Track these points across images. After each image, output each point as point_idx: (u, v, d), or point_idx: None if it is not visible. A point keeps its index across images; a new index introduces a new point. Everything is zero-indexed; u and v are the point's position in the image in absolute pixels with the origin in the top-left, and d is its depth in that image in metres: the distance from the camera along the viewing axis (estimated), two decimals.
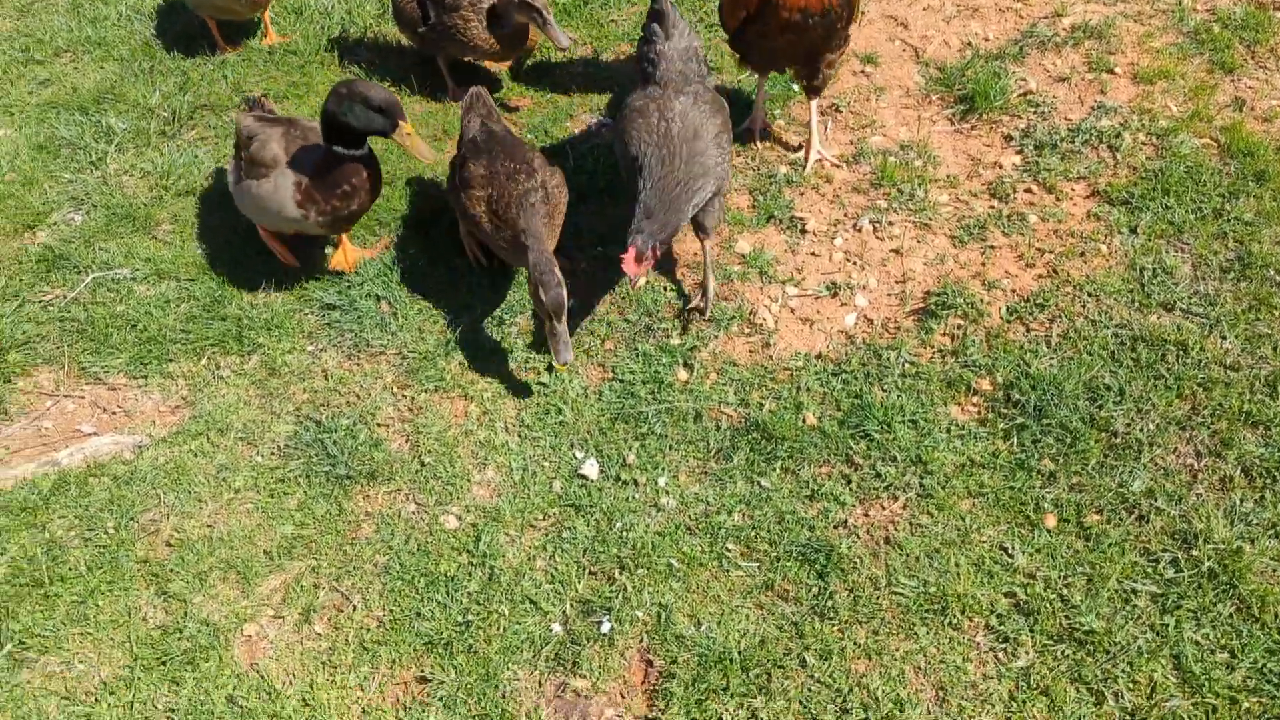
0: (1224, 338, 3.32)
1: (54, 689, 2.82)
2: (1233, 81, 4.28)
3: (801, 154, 4.31)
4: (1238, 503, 2.92)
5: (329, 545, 3.12)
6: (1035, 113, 4.33)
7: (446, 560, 3.04)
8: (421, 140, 3.65)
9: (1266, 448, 3.02)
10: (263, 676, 2.82)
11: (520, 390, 3.50)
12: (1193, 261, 3.59)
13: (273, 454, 3.39)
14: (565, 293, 3.30)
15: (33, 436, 3.50)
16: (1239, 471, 2.99)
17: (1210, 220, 3.70)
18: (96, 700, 2.79)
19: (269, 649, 2.89)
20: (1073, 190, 3.98)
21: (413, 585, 2.99)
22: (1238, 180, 3.82)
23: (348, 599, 2.99)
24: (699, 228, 3.59)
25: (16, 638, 2.92)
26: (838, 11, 3.75)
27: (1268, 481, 2.95)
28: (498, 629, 2.87)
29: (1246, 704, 2.52)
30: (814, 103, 4.17)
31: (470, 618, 2.90)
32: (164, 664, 2.85)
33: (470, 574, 3.00)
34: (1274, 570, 2.75)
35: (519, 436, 3.38)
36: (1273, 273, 3.48)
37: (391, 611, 2.95)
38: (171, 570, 3.06)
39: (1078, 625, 2.71)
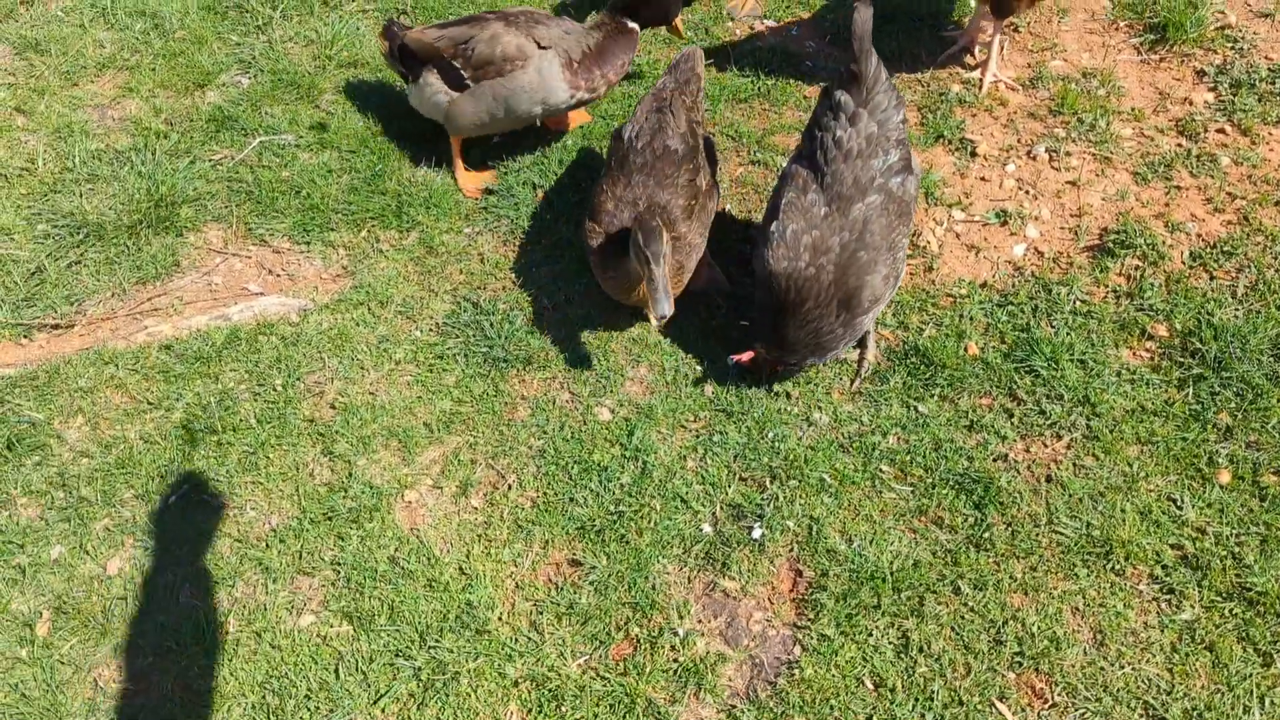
0: None
1: (227, 531, 2.95)
2: None
3: (977, 73, 4.13)
4: None
5: (485, 424, 3.17)
6: (1233, 49, 4.07)
7: (600, 450, 3.07)
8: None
9: None
10: (422, 542, 2.91)
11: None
12: None
13: (431, 330, 3.44)
14: (666, 240, 2.98)
15: (203, 290, 3.60)
16: None
17: None
18: (267, 546, 2.92)
19: (428, 516, 2.98)
20: (1270, 135, 3.75)
21: (566, 471, 3.04)
22: None
23: (503, 477, 3.06)
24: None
25: (192, 480, 3.06)
26: None
27: None
28: (649, 522, 2.91)
29: None
30: (998, 23, 3.97)
31: (622, 509, 2.94)
32: (330, 519, 2.96)
33: (623, 466, 3.04)
34: None
35: (671, 338, 3.36)
36: None
37: (545, 494, 3.00)
38: (336, 432, 3.16)
39: (1249, 585, 2.64)
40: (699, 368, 3.28)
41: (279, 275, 3.66)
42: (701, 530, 2.90)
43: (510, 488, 3.03)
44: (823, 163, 2.95)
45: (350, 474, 3.06)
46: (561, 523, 2.93)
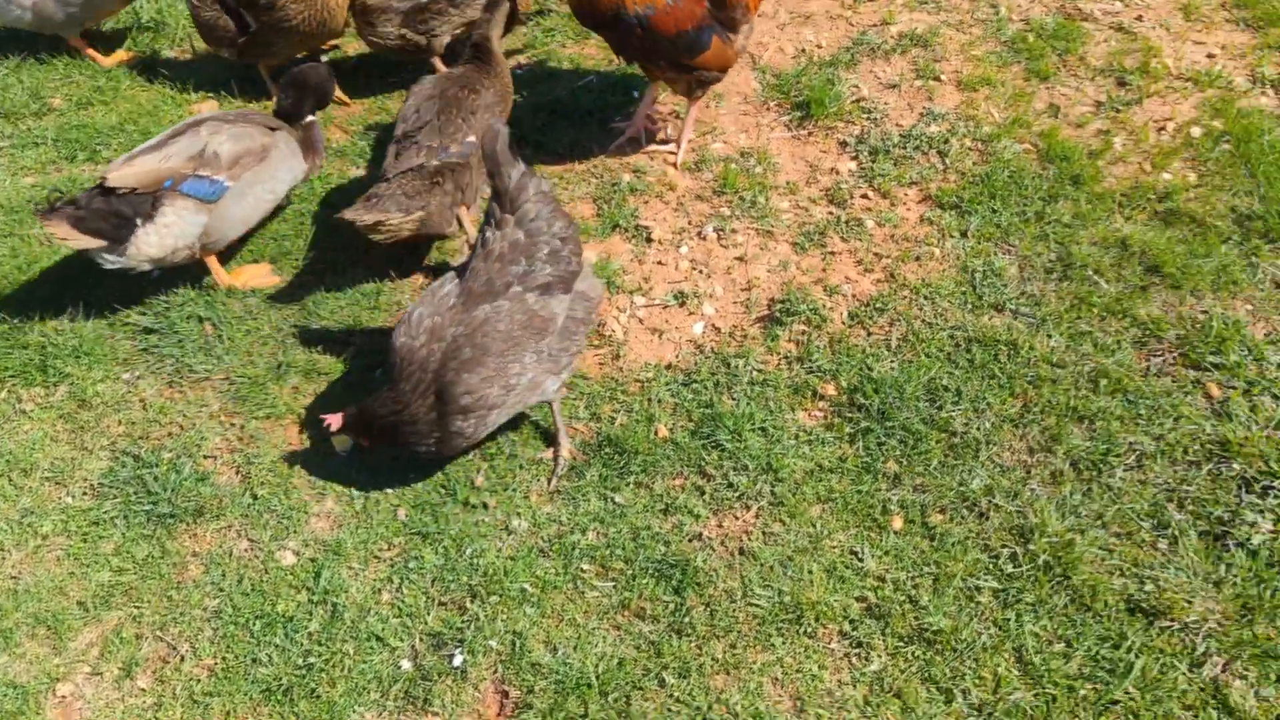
0: (1050, 336, 3.47)
1: None
2: (1048, 89, 4.49)
3: (646, 160, 4.30)
4: (1068, 495, 3.04)
5: (151, 591, 2.88)
6: (868, 119, 4.44)
7: (284, 600, 2.86)
8: None
9: (1092, 441, 3.16)
10: None
11: None
12: (1019, 263, 3.74)
13: (85, 494, 3.11)
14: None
15: None
16: (1068, 465, 3.12)
17: (1033, 223, 3.87)
18: None
19: (86, 710, 2.65)
20: (906, 195, 4.09)
21: (247, 629, 2.80)
22: (1056, 184, 4.01)
23: (174, 649, 2.77)
24: None
25: None
26: (640, 21, 3.73)
27: (1094, 474, 3.09)
28: (342, 670, 2.72)
29: (1083, 691, 2.63)
30: (691, 103, 4.17)
31: (312, 660, 2.73)
32: None
33: (311, 613, 2.83)
34: (1103, 560, 2.88)
35: (359, 463, 3.21)
36: (1091, 273, 3.66)
37: (225, 659, 2.75)
38: None
39: (926, 625, 2.77)
40: (390, 491, 3.14)
41: None
42: (400, 668, 2.74)
43: (183, 659, 2.75)
44: (469, 258, 3.02)
45: None
46: (244, 688, 2.69)
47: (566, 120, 4.51)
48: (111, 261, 3.42)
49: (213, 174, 3.46)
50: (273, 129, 3.69)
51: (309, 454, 3.22)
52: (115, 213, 3.35)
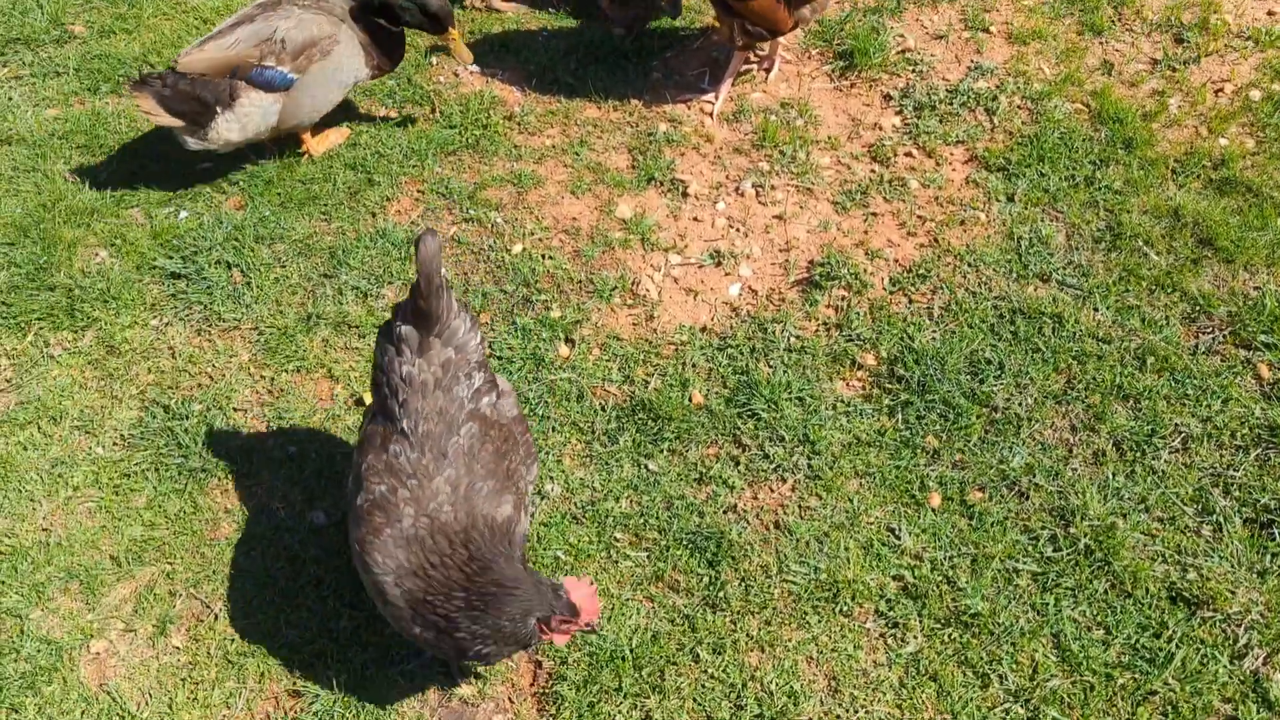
0: (1096, 309, 3.38)
1: None
2: (1101, 44, 4.32)
3: (682, 108, 4.17)
4: (1110, 477, 2.99)
5: (184, 548, 2.87)
6: (914, 71, 4.28)
7: (315, 562, 2.84)
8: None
9: (1136, 421, 3.10)
10: (114, 698, 2.58)
11: None
12: (1066, 231, 3.63)
13: (115, 445, 3.08)
14: None
15: None
16: (1111, 445, 3.06)
17: (1082, 188, 3.75)
18: None
19: (120, 667, 2.65)
20: (951, 155, 3.96)
21: (280, 590, 2.79)
22: (1107, 147, 3.88)
23: (208, 607, 2.77)
24: None
25: None
26: None
27: (1138, 456, 3.03)
28: (374, 635, 2.71)
29: (1121, 680, 2.61)
30: (740, 54, 4.05)
31: (344, 623, 2.72)
32: None
33: (341, 575, 2.81)
34: (1145, 546, 2.84)
35: None
36: (1141, 243, 3.55)
37: (259, 619, 2.74)
38: (3, 582, 2.76)
39: (964, 608, 2.74)
40: None
41: None
42: None
43: (216, 618, 2.75)
44: (394, 406, 2.44)
45: (22, 631, 2.68)
46: (279, 649, 2.68)
47: (603, 65, 4.36)
48: (193, 143, 3.59)
49: (278, 65, 3.53)
50: (343, 20, 3.71)
51: (340, 410, 3.18)
52: (197, 97, 3.47)
